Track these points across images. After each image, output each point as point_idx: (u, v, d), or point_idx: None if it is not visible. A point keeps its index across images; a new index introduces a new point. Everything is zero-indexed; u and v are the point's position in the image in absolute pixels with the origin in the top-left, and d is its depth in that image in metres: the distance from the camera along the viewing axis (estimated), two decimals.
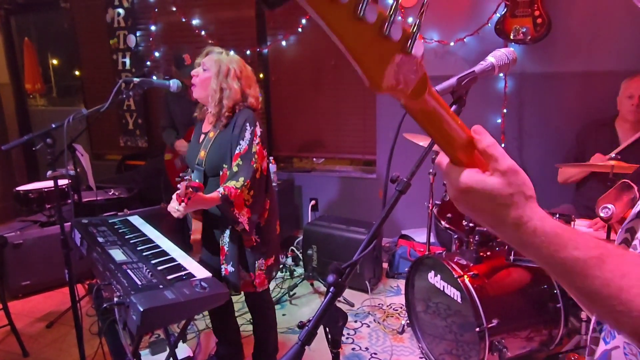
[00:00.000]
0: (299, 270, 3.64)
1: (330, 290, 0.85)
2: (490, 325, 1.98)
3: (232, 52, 2.14)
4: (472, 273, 2.11)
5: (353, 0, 0.44)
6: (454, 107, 1.06)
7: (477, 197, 0.58)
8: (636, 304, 0.51)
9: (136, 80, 2.13)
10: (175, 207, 1.86)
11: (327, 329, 0.92)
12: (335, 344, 0.96)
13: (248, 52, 4.15)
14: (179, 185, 1.77)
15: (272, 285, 3.20)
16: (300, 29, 4.00)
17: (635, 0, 0.69)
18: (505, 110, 3.42)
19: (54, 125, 2.02)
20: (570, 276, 0.55)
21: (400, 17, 0.48)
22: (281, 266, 3.62)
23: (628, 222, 0.66)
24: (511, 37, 3.13)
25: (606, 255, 0.54)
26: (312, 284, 3.42)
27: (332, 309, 0.86)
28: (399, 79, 0.51)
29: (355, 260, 0.87)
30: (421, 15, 0.51)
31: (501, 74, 3.23)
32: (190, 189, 1.76)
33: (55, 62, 5.76)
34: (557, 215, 2.22)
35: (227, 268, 2.06)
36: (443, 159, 0.62)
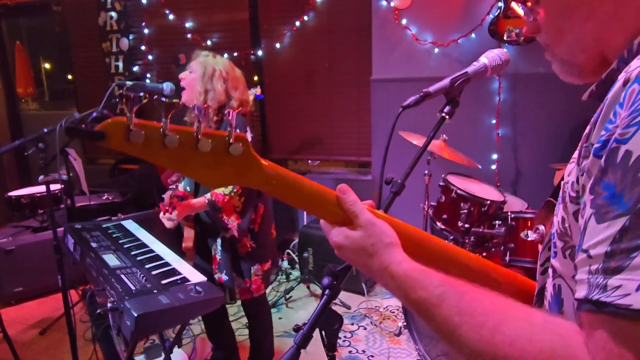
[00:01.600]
0: (295, 274, 3.63)
1: (326, 293, 0.84)
2: None
3: (225, 56, 2.14)
4: None
5: (151, 136, 0.60)
6: (447, 107, 1.06)
7: (349, 251, 0.66)
8: (466, 340, 0.52)
9: (129, 84, 2.11)
10: (165, 216, 1.87)
11: (323, 332, 0.92)
12: (331, 347, 0.95)
13: (235, 54, 4.14)
14: (164, 196, 1.79)
15: (268, 288, 3.19)
16: (294, 31, 4.00)
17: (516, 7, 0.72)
18: (499, 111, 3.43)
19: (46, 130, 2.00)
20: (422, 314, 0.58)
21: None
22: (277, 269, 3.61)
23: (548, 242, 0.67)
24: (505, 38, 3.14)
25: (447, 293, 0.56)
26: (308, 287, 3.41)
27: (327, 312, 0.86)
28: (231, 175, 0.62)
29: None
30: (231, 128, 0.61)
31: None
32: (176, 198, 1.77)
33: (47, 65, 5.71)
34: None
35: (221, 277, 2.05)
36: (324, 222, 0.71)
